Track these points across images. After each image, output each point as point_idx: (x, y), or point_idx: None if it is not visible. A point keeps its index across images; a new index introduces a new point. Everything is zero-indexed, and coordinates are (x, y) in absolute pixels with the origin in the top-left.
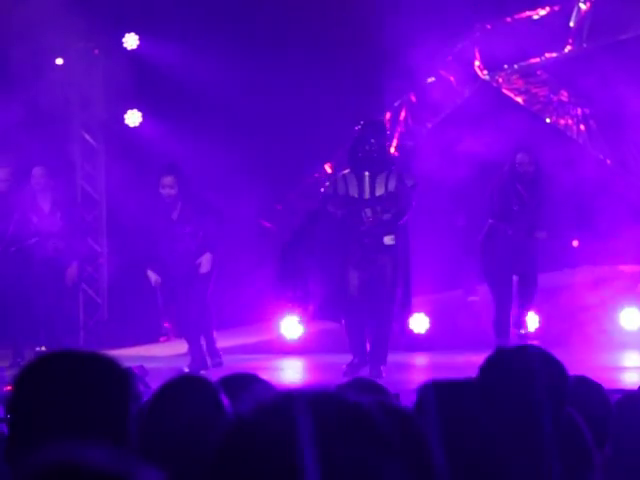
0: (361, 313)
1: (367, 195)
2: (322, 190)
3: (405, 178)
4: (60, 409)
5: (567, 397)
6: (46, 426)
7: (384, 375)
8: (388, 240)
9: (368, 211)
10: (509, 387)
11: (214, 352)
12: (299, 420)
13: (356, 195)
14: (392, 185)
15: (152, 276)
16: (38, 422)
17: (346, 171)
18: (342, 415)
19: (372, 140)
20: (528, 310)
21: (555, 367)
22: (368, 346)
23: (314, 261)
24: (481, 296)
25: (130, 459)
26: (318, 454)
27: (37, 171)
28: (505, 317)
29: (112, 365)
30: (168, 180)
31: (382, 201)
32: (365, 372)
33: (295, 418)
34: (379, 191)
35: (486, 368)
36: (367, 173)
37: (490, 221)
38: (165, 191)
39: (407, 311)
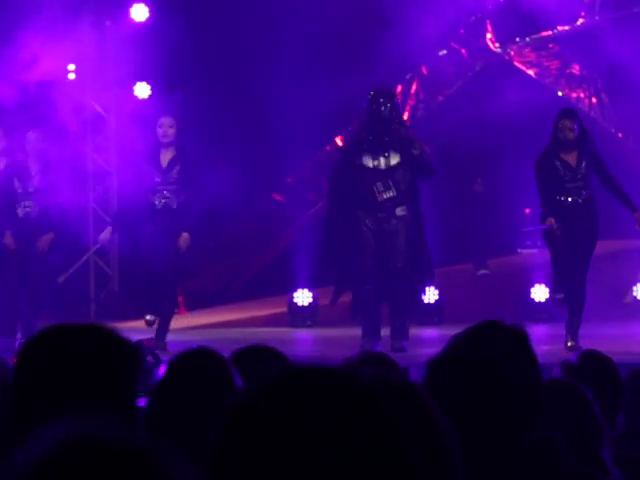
0: (375, 286)
1: (382, 166)
2: (339, 155)
3: (415, 144)
4: (63, 382)
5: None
6: (51, 400)
7: (407, 349)
8: (400, 211)
9: (380, 185)
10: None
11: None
12: (307, 399)
13: (370, 165)
14: (406, 152)
15: (105, 235)
16: (42, 396)
17: (361, 139)
18: (350, 394)
19: (386, 111)
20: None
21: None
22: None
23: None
24: (491, 270)
25: (144, 435)
26: (326, 433)
27: (32, 135)
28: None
29: (115, 337)
30: (168, 120)
31: (395, 171)
32: (382, 346)
33: (303, 397)
34: (394, 161)
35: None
36: (382, 147)
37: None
38: (162, 130)
39: (425, 282)
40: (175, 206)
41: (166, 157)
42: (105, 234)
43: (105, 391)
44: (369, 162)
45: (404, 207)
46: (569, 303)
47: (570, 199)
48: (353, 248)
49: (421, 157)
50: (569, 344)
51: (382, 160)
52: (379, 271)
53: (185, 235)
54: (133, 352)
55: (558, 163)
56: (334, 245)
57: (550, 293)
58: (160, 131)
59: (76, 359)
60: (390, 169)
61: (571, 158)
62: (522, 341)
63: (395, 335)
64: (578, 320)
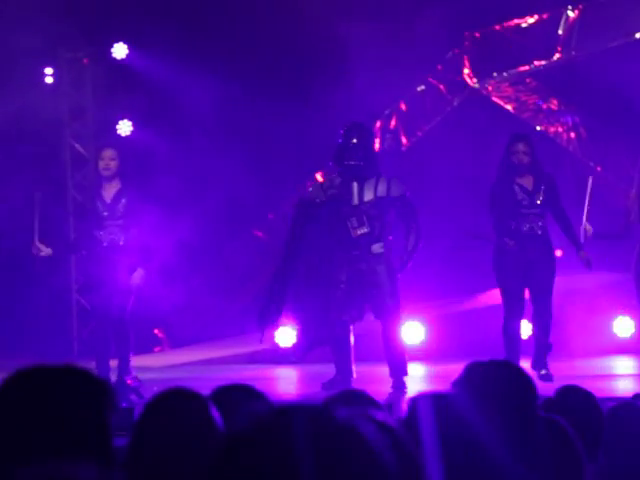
0: (348, 329)
1: (356, 201)
2: (309, 191)
3: (393, 185)
4: (37, 424)
5: (536, 408)
6: (24, 445)
7: (406, 388)
8: (377, 248)
9: (354, 220)
10: (483, 401)
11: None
12: (297, 437)
13: (343, 200)
14: (381, 190)
15: (42, 249)
16: (15, 437)
17: (333, 175)
18: (336, 432)
19: (358, 146)
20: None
21: (523, 378)
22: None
23: (299, 278)
24: (476, 305)
25: (115, 477)
26: (315, 471)
27: (108, 153)
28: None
29: (87, 378)
30: (109, 152)
31: (370, 207)
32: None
33: (293, 436)
34: (367, 197)
35: (458, 384)
36: (355, 182)
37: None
38: (104, 162)
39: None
40: (122, 242)
41: (110, 191)
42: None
43: (79, 431)
44: (341, 197)
45: (381, 244)
46: (535, 330)
47: (527, 227)
48: (322, 293)
49: (403, 198)
50: (542, 372)
51: (355, 195)
52: (351, 316)
53: (139, 272)
54: (105, 392)
55: (516, 187)
56: (299, 293)
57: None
58: (102, 164)
59: (49, 400)
60: (364, 205)
61: (527, 183)
62: (512, 379)
63: (395, 373)
64: (545, 345)
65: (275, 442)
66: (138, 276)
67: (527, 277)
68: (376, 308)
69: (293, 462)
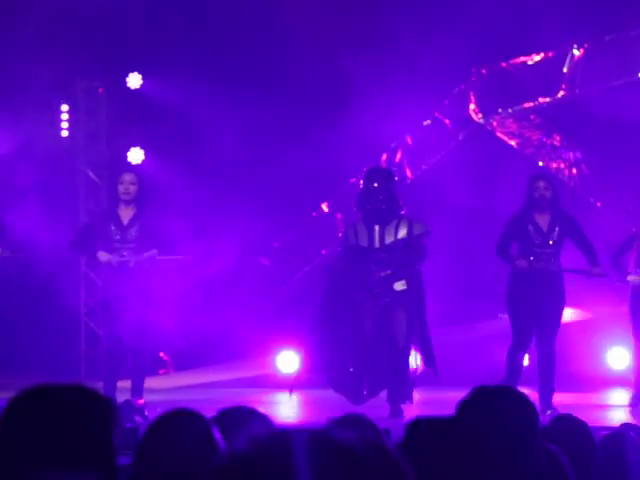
0: (375, 361)
1: (377, 244)
2: (341, 237)
3: (415, 225)
4: (43, 443)
5: (538, 437)
6: (31, 460)
7: (405, 414)
8: (399, 286)
9: (377, 265)
10: (488, 426)
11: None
12: (297, 459)
13: (366, 245)
14: (403, 233)
15: (104, 256)
16: (22, 457)
17: (356, 220)
18: (335, 455)
19: (379, 190)
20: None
21: (529, 408)
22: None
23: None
24: (474, 333)
25: None
26: None
27: (128, 177)
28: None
29: (93, 396)
30: (129, 176)
31: (392, 249)
32: (386, 411)
33: (293, 457)
34: (389, 239)
35: (464, 407)
36: (377, 225)
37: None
38: (123, 186)
39: (429, 351)
40: (132, 265)
41: (126, 214)
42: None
43: (84, 449)
44: (364, 241)
45: (403, 281)
46: (540, 371)
47: (534, 271)
48: (349, 332)
49: (423, 237)
50: (548, 412)
51: (377, 238)
52: (379, 348)
53: (152, 251)
54: (113, 410)
55: (531, 227)
56: (329, 333)
57: (529, 359)
58: (121, 188)
59: (55, 419)
60: (385, 247)
61: (543, 222)
62: (518, 406)
63: (394, 400)
64: (550, 387)
65: (274, 462)
66: (155, 251)
67: (536, 313)
68: (392, 351)
69: None
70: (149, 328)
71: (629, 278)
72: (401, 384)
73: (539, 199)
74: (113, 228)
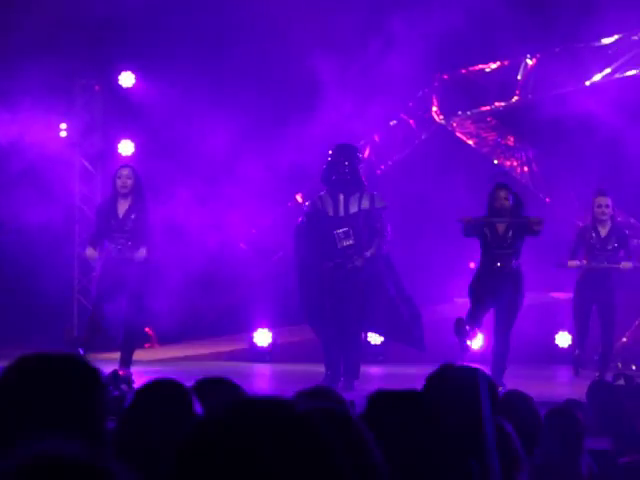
0: (335, 329)
1: (342, 213)
2: (305, 209)
3: (376, 198)
4: (34, 408)
5: (496, 407)
6: (21, 425)
7: (355, 388)
8: (359, 261)
9: (340, 233)
10: (452, 400)
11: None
12: (261, 428)
13: (331, 213)
14: (365, 204)
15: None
16: (12, 421)
17: (322, 192)
18: (291, 423)
19: (346, 163)
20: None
21: (490, 386)
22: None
23: (298, 276)
24: (432, 315)
25: (106, 455)
26: (272, 459)
27: (125, 172)
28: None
29: (84, 366)
30: (126, 171)
31: (356, 219)
32: (340, 384)
33: (258, 425)
34: (352, 209)
35: (432, 381)
36: (342, 194)
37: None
38: (121, 180)
39: (417, 322)
40: (129, 254)
41: (123, 206)
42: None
43: (74, 415)
44: (330, 210)
45: (362, 256)
46: (494, 352)
47: (499, 264)
48: (316, 294)
49: (383, 211)
50: (500, 388)
51: (341, 207)
52: (336, 315)
53: (142, 250)
54: (100, 379)
55: (487, 230)
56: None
57: (483, 340)
58: (119, 182)
59: (48, 385)
60: (349, 216)
61: (500, 226)
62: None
63: (347, 375)
64: (502, 367)
65: (242, 429)
66: (144, 251)
67: (496, 301)
68: (344, 314)
69: (252, 447)
70: (145, 306)
71: (569, 264)
72: (356, 357)
73: (499, 208)
74: (112, 220)
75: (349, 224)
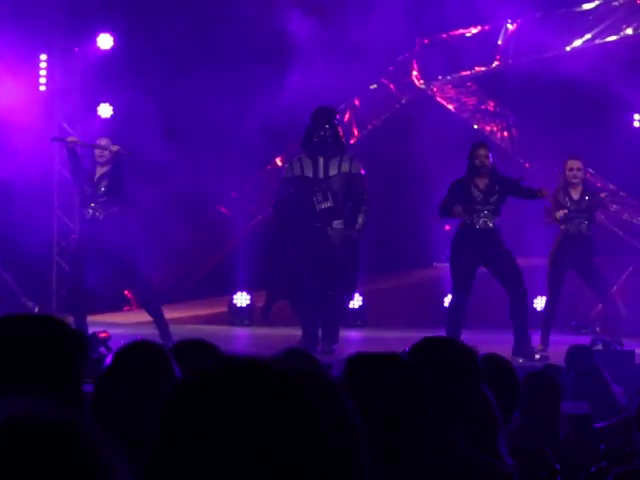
0: (311, 294)
1: (321, 175)
2: (283, 171)
3: (354, 162)
4: (14, 366)
5: (479, 377)
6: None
7: (335, 353)
8: (337, 224)
9: (319, 195)
10: (434, 368)
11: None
12: (241, 386)
13: (311, 175)
14: (345, 167)
15: None
16: None
17: (302, 154)
18: (269, 380)
19: (326, 126)
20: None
21: (472, 358)
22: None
23: (275, 244)
24: (413, 280)
25: (82, 416)
26: (249, 413)
27: (104, 142)
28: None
29: (63, 327)
30: (105, 141)
31: (335, 181)
32: (318, 348)
33: (237, 384)
34: (332, 171)
35: (414, 353)
36: (321, 157)
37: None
38: (99, 150)
39: (352, 292)
40: (102, 217)
41: (99, 172)
42: None
43: (52, 375)
44: (309, 172)
45: (341, 221)
46: (511, 316)
47: (481, 221)
48: (291, 257)
49: (361, 177)
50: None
51: (321, 169)
52: (315, 279)
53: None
54: (79, 341)
55: (472, 187)
56: (278, 253)
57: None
58: (97, 152)
59: (26, 345)
60: (329, 178)
61: (483, 184)
62: (462, 353)
63: (326, 339)
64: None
65: (220, 389)
66: (118, 210)
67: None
68: (326, 279)
69: (235, 406)
70: (135, 268)
71: (557, 215)
72: (335, 321)
73: (480, 166)
74: (86, 186)
75: (328, 187)
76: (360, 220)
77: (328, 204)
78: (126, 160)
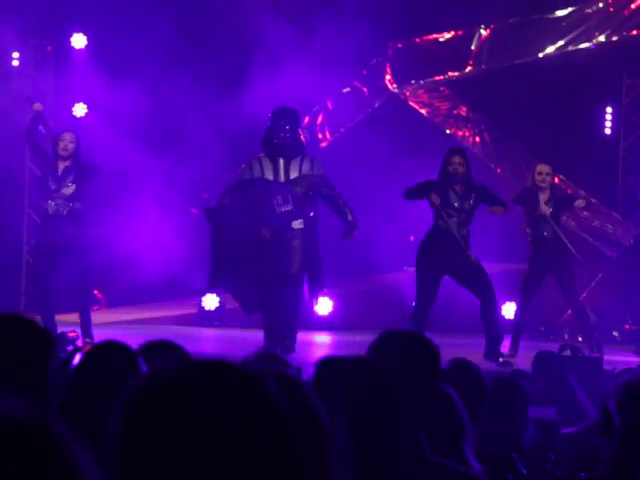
0: (272, 297)
1: (282, 178)
2: (240, 170)
3: (315, 164)
4: None
5: (438, 376)
6: None
7: (295, 350)
8: (296, 224)
9: (279, 198)
10: (396, 366)
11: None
12: (199, 386)
13: (271, 177)
14: (306, 169)
15: None
16: None
17: (261, 155)
18: (238, 384)
19: (286, 127)
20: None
21: (432, 351)
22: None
23: (230, 247)
24: (382, 284)
25: (48, 414)
26: (215, 415)
27: (67, 136)
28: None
29: (32, 326)
30: (69, 135)
31: (295, 184)
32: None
33: (196, 384)
34: (293, 174)
35: (374, 349)
36: (282, 159)
37: None
38: (63, 143)
39: (316, 294)
40: (65, 213)
41: (62, 166)
42: None
43: (19, 374)
44: (269, 175)
45: (300, 221)
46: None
47: (453, 227)
48: (248, 259)
49: (324, 177)
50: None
51: (282, 172)
52: (273, 279)
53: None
54: (47, 339)
55: (450, 191)
56: (228, 256)
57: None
58: (61, 144)
59: None
60: (290, 182)
61: (460, 190)
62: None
63: (286, 338)
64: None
65: (183, 387)
66: (80, 206)
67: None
68: (285, 279)
69: (199, 405)
70: (88, 268)
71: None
72: (294, 321)
73: (453, 173)
74: (50, 180)
75: (288, 190)
76: (349, 215)
77: (289, 207)
78: (86, 156)
